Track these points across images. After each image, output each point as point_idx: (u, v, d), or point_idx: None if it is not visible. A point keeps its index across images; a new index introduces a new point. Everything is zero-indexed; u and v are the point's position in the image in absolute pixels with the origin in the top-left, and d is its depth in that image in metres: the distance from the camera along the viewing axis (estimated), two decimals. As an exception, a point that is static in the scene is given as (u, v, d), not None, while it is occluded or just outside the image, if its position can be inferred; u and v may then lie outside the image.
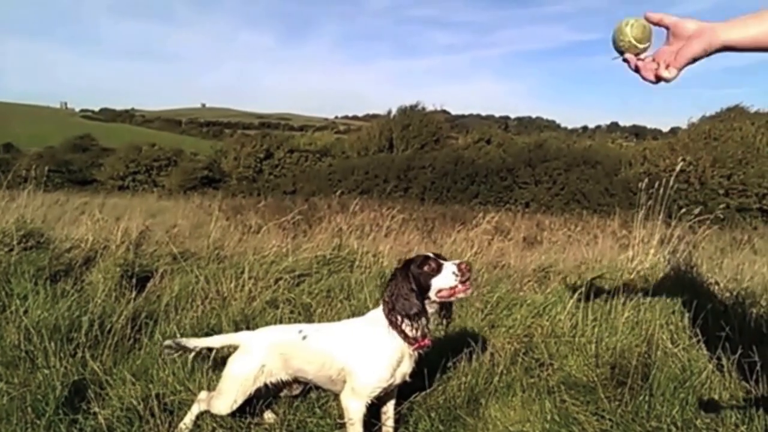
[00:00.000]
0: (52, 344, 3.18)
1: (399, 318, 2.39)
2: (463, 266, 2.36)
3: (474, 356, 3.15)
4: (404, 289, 2.39)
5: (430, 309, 2.47)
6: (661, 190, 5.09)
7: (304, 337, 2.63)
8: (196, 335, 3.42)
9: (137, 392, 2.88)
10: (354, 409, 2.46)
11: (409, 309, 2.37)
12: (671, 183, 5.12)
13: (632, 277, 4.06)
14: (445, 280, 2.36)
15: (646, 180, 5.18)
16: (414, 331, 2.41)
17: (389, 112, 45.00)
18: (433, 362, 3.25)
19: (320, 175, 35.20)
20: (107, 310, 3.62)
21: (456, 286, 2.35)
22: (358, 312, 4.09)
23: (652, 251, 4.60)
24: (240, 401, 2.63)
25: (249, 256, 4.98)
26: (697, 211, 5.39)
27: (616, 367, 3.16)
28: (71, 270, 4.53)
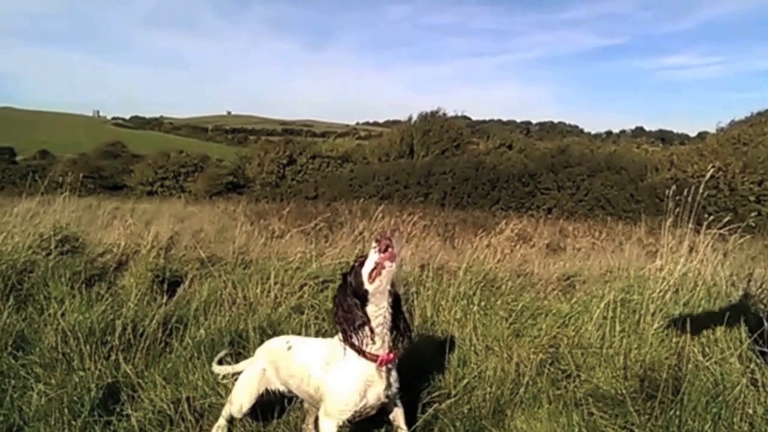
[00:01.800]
0: (88, 347, 3.28)
1: (348, 334, 2.32)
2: (379, 239, 2.24)
3: (499, 366, 3.14)
4: (345, 302, 2.33)
5: (377, 313, 2.31)
6: (690, 197, 4.99)
7: (289, 348, 2.67)
8: (224, 340, 3.49)
9: (168, 395, 2.95)
10: (325, 429, 2.39)
11: (352, 321, 2.29)
12: (701, 189, 5.02)
13: (661, 286, 3.99)
14: (369, 262, 2.26)
15: (674, 186, 5.09)
16: (372, 345, 2.31)
17: (410, 118, 45.09)
18: (456, 370, 3.26)
19: (341, 180, 35.35)
20: (139, 314, 3.71)
21: (380, 262, 2.22)
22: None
23: (681, 260, 4.51)
24: (247, 406, 2.67)
25: (274, 261, 5.04)
26: (727, 218, 5.27)
27: (645, 379, 3.11)
28: (105, 274, 4.67)
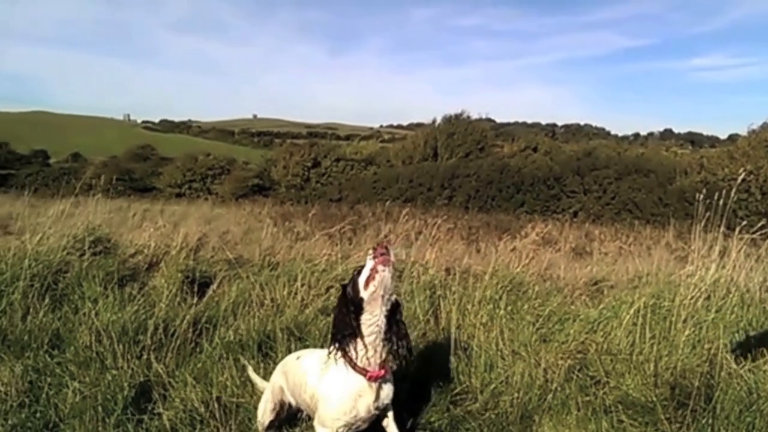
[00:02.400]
0: (121, 346, 3.36)
1: (337, 342, 2.33)
2: (375, 247, 2.25)
3: (526, 371, 3.12)
4: (340, 312, 2.35)
5: (370, 321, 2.28)
6: (721, 201, 4.88)
7: (298, 358, 2.73)
8: (253, 341, 3.54)
9: (198, 394, 3.01)
10: None
11: (342, 331, 2.30)
12: (732, 193, 4.90)
13: (692, 293, 3.91)
14: (365, 269, 2.26)
15: (705, 190, 4.98)
16: (365, 355, 2.31)
17: (434, 121, 45.06)
18: (482, 375, 3.25)
19: (365, 183, 35.47)
20: (170, 315, 3.79)
21: (374, 267, 2.21)
22: (407, 323, 4.13)
23: (713, 266, 4.41)
24: (268, 415, 2.74)
25: (300, 264, 5.09)
26: (760, 223, 5.14)
27: (676, 387, 3.05)
28: (137, 275, 4.77)
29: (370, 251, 2.26)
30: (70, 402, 3.00)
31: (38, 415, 2.95)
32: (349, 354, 2.33)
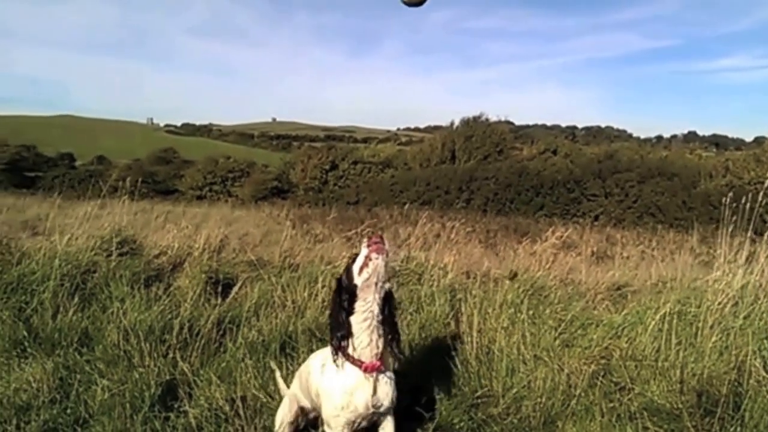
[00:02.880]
0: (147, 345, 3.43)
1: (332, 336, 2.37)
2: (370, 236, 2.32)
3: (549, 376, 3.10)
4: (335, 308, 2.39)
5: (363, 308, 2.30)
6: (747, 205, 4.79)
7: (313, 356, 2.75)
8: (275, 341, 3.58)
9: (222, 393, 3.06)
10: None
11: (335, 326, 2.36)
12: (759, 197, 4.80)
13: (720, 298, 3.84)
14: (359, 257, 2.31)
15: (731, 194, 4.89)
16: (359, 344, 2.32)
17: (452, 124, 45.15)
18: (504, 379, 3.24)
19: (383, 186, 35.55)
20: (195, 314, 3.86)
21: (368, 254, 2.27)
22: (428, 326, 4.14)
23: (740, 271, 4.33)
24: (287, 420, 2.74)
25: (321, 266, 5.13)
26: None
27: (703, 394, 3.00)
28: (161, 275, 4.86)
29: (365, 240, 2.32)
30: (99, 399, 3.06)
31: (69, 411, 3.02)
32: (345, 348, 2.35)
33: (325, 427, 2.47)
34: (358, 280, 2.30)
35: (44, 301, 4.15)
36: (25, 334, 3.72)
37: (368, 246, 2.29)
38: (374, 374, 2.36)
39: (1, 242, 5.47)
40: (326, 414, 2.44)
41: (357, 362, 2.35)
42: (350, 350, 2.36)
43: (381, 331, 2.37)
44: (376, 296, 2.32)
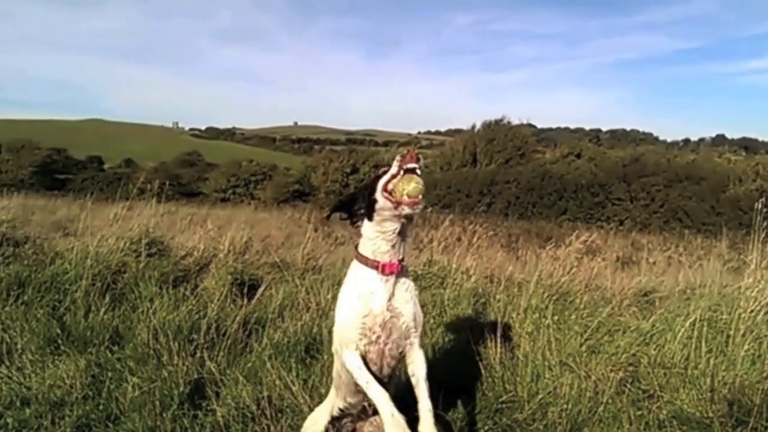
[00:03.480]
0: (176, 344, 3.50)
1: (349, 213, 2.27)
2: (405, 154, 2.10)
3: (575, 383, 3.07)
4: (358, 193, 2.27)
5: (383, 227, 2.13)
6: (779, 210, 4.67)
7: None
8: (300, 343, 3.62)
9: (249, 393, 3.10)
10: (346, 360, 2.20)
11: (357, 204, 2.23)
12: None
13: (752, 306, 3.75)
14: (390, 171, 2.13)
15: (762, 198, 4.78)
16: (378, 255, 2.14)
17: (473, 127, 44.87)
18: (529, 385, 3.21)
19: (404, 189, 35.50)
20: (221, 315, 3.92)
21: (397, 173, 2.09)
22: (452, 330, 4.13)
23: (774, 278, 4.23)
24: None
25: (343, 269, 5.16)
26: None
27: (734, 404, 2.94)
28: (188, 276, 4.95)
29: (398, 157, 2.13)
30: (130, 396, 3.13)
31: (101, 407, 3.10)
32: (362, 253, 2.20)
33: (343, 348, 2.22)
34: (379, 199, 2.12)
35: (77, 300, 4.26)
36: (59, 332, 3.82)
37: (400, 163, 2.10)
38: (392, 277, 2.18)
39: (35, 243, 5.65)
40: (338, 326, 2.25)
41: (373, 263, 2.16)
42: (367, 253, 2.18)
43: (402, 239, 2.20)
44: (398, 225, 2.14)
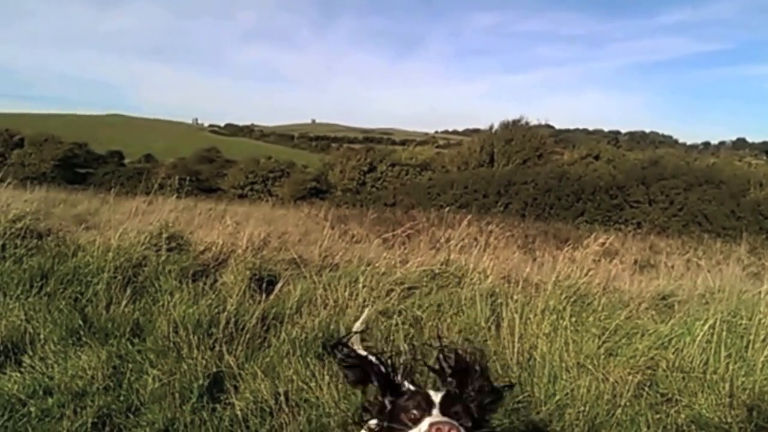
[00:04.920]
0: (195, 338, 3.56)
1: None
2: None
3: (593, 385, 3.06)
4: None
5: None
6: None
7: None
8: (317, 339, 3.66)
9: (267, 387, 3.14)
10: None
11: None
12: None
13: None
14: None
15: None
16: None
17: (491, 127, 44.60)
18: (546, 386, 3.21)
19: (420, 188, 35.49)
20: (240, 310, 3.97)
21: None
22: (468, 328, 4.14)
23: (795, 284, 4.17)
24: None
25: (361, 266, 5.19)
26: None
27: (754, 409, 2.91)
28: (207, 271, 5.02)
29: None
30: (150, 388, 3.19)
31: (121, 398, 3.16)
32: None
33: None
34: None
35: (98, 292, 4.34)
36: (81, 323, 3.90)
37: None
38: None
39: (57, 235, 5.77)
40: None
41: None
42: None
43: None
44: None
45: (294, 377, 3.29)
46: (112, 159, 48.80)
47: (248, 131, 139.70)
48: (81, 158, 45.07)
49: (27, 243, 5.08)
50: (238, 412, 2.94)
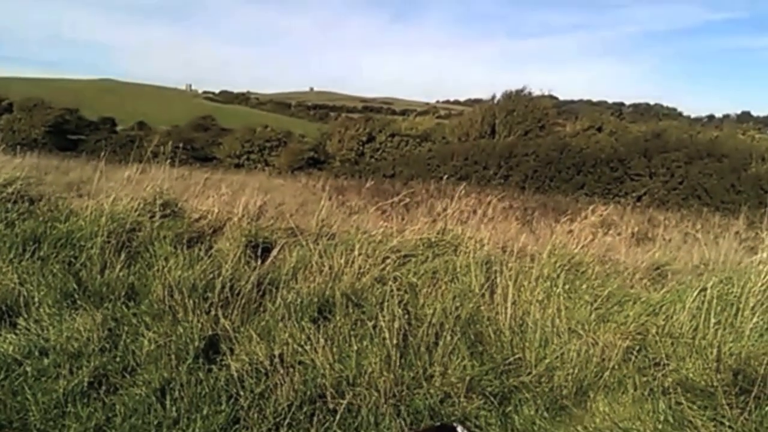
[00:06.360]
0: (191, 301, 3.59)
1: None
2: None
3: (583, 349, 3.10)
4: None
5: None
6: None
7: None
8: (313, 304, 3.69)
9: (263, 350, 3.19)
10: None
11: None
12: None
13: (763, 280, 3.73)
14: None
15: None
16: None
17: (493, 97, 44.06)
18: (537, 350, 3.25)
19: (419, 159, 35.28)
20: (236, 275, 3.99)
21: None
22: (462, 295, 4.17)
23: (787, 254, 4.18)
24: None
25: (357, 234, 5.20)
26: None
27: (740, 373, 2.96)
28: (202, 237, 5.03)
29: None
30: (146, 349, 3.24)
31: (117, 359, 3.22)
32: None
33: None
34: None
35: (92, 256, 4.36)
36: (75, 287, 3.93)
37: None
38: None
39: (49, 200, 5.76)
40: None
41: None
42: None
43: None
44: None
45: (289, 340, 3.33)
46: (104, 126, 47.97)
47: (244, 99, 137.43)
48: (72, 124, 44.29)
49: (18, 207, 5.08)
50: (234, 373, 2.98)
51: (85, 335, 3.40)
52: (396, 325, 3.23)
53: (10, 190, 5.30)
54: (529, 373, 2.98)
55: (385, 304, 3.60)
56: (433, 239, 5.55)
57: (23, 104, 42.71)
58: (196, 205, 6.39)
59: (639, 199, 27.37)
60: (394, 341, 3.12)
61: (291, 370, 3.01)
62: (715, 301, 3.52)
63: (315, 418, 2.76)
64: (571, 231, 6.46)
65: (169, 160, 7.07)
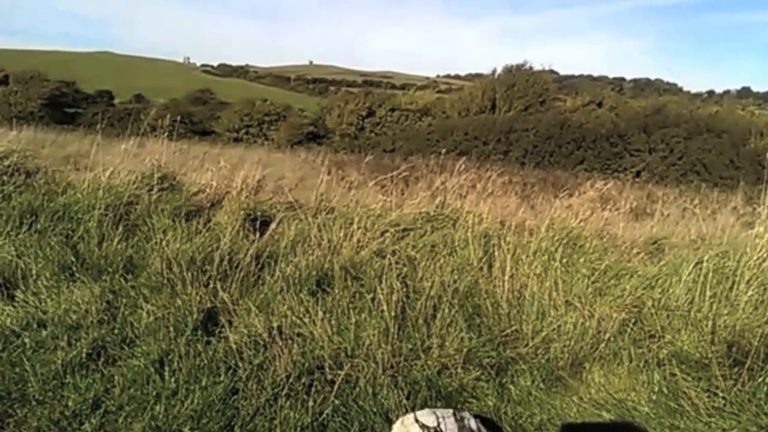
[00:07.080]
0: (189, 274, 3.59)
1: None
2: None
3: (579, 321, 3.12)
4: None
5: None
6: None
7: None
8: (311, 277, 3.69)
9: (261, 322, 3.20)
10: None
11: None
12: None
13: (759, 254, 3.74)
14: None
15: (775, 151, 4.67)
16: None
17: (493, 72, 43.59)
18: (534, 322, 3.28)
19: (419, 134, 35.06)
20: (234, 248, 3.99)
21: None
22: (461, 268, 4.18)
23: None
24: None
25: (357, 208, 5.19)
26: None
27: (734, 345, 2.99)
28: (201, 211, 5.01)
29: None
30: (145, 322, 3.26)
31: (116, 331, 3.24)
32: None
33: None
34: None
35: (90, 229, 4.34)
36: (73, 259, 3.93)
37: None
38: None
39: (46, 173, 5.72)
40: None
41: None
42: None
43: None
44: None
45: (288, 312, 3.35)
46: (101, 99, 47.48)
47: (243, 72, 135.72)
48: (69, 97, 43.83)
49: (15, 180, 5.04)
50: (233, 345, 3.01)
51: (84, 307, 3.41)
52: (394, 297, 3.25)
53: (6, 163, 5.26)
54: (526, 345, 3.01)
55: (384, 277, 3.61)
56: (432, 213, 5.55)
57: (19, 77, 42.11)
58: (195, 178, 6.36)
59: (638, 174, 27.29)
60: (393, 314, 3.14)
61: (289, 342, 3.03)
62: (710, 274, 3.53)
63: (313, 389, 2.79)
64: (570, 206, 6.46)
65: (166, 134, 7.01)
